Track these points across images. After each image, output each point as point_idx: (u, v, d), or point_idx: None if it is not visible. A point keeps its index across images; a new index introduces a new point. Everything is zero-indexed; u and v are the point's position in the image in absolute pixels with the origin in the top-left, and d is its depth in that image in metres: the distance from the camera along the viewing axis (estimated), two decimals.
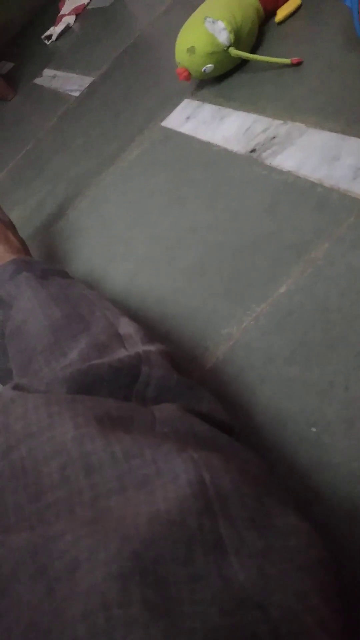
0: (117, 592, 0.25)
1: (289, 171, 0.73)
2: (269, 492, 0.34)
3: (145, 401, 0.45)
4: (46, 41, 2.38)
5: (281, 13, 1.02)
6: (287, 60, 0.89)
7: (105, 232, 0.96)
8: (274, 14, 1.06)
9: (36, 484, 0.34)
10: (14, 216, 1.26)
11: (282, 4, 1.05)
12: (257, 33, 1.02)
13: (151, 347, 0.51)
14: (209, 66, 0.98)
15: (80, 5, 2.32)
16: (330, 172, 0.68)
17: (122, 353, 0.50)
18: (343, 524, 0.42)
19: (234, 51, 0.96)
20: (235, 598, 0.26)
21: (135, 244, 0.87)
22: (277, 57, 0.92)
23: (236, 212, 0.75)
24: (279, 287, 0.62)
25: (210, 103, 1.01)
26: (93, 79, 1.60)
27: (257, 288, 0.64)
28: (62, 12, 2.42)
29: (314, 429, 0.49)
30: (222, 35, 0.94)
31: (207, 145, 0.92)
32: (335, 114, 0.75)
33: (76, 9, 2.32)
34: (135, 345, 0.52)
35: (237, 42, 0.96)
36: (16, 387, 0.45)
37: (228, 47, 0.96)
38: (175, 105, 1.10)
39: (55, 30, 2.32)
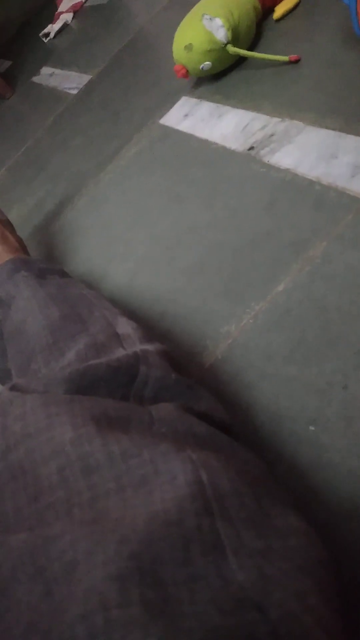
0: (115, 592, 0.25)
1: (287, 169, 0.73)
2: (267, 491, 0.34)
3: (143, 401, 0.45)
4: (44, 39, 2.37)
5: (279, 10, 1.02)
6: (285, 58, 0.89)
7: (105, 232, 0.96)
8: (272, 11, 1.05)
9: (35, 484, 0.34)
10: (13, 215, 1.26)
11: (280, 1, 1.04)
12: (255, 30, 1.02)
13: (149, 347, 0.51)
14: (207, 64, 0.98)
15: (78, 2, 2.31)
16: (328, 170, 0.68)
17: (120, 353, 0.50)
18: (342, 524, 0.42)
19: (231, 48, 0.96)
20: (234, 598, 0.26)
21: (135, 243, 0.87)
22: (275, 54, 0.92)
23: (235, 210, 0.75)
24: (278, 286, 0.62)
25: (208, 101, 1.01)
26: (91, 76, 1.60)
27: (255, 286, 0.64)
28: (59, 10, 2.41)
29: (312, 428, 0.49)
30: (220, 32, 0.94)
31: (205, 143, 0.92)
32: (333, 112, 0.74)
33: (74, 6, 2.32)
34: (134, 344, 0.52)
35: (234, 40, 0.96)
36: (14, 388, 0.45)
37: (226, 45, 0.96)
38: (173, 102, 1.10)
39: (53, 28, 2.31)
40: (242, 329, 0.61)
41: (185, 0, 1.38)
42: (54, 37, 2.28)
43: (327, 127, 0.73)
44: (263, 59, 0.94)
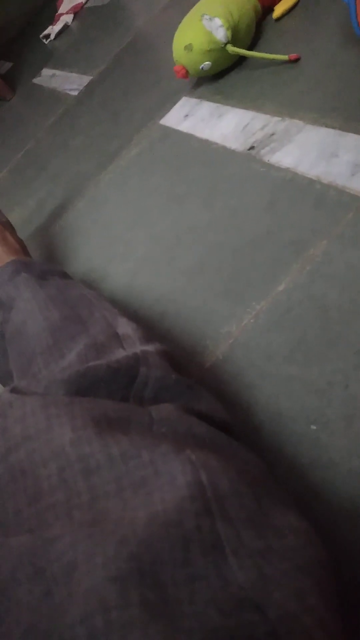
0: (115, 594, 0.25)
1: (288, 168, 0.73)
2: (267, 491, 0.34)
3: (143, 401, 0.45)
4: (44, 40, 2.37)
5: (279, 9, 1.02)
6: (284, 57, 0.89)
7: (105, 232, 0.96)
8: (271, 10, 1.05)
9: (35, 486, 0.34)
10: (14, 216, 1.26)
11: (280, 1, 1.04)
12: (254, 30, 1.02)
13: (149, 347, 0.51)
14: (207, 64, 0.98)
15: (78, 3, 2.32)
16: (328, 168, 0.67)
17: (120, 353, 0.50)
18: (342, 523, 0.42)
19: (231, 48, 0.96)
20: (233, 598, 0.26)
21: (135, 243, 0.87)
22: (274, 53, 0.92)
23: (235, 209, 0.75)
24: (278, 285, 0.61)
25: (208, 100, 1.01)
26: (91, 77, 1.60)
27: (256, 286, 0.64)
28: (60, 11, 2.42)
29: (313, 427, 0.48)
30: (220, 32, 0.94)
31: (205, 143, 0.92)
32: (333, 111, 0.74)
33: (74, 7, 2.32)
34: (134, 345, 0.52)
35: (234, 39, 0.96)
36: (14, 390, 0.45)
37: (225, 45, 0.96)
38: (173, 103, 1.10)
39: (53, 30, 2.32)
40: (242, 329, 0.61)
41: (185, 0, 1.38)
42: (55, 38, 2.28)
43: (327, 126, 0.73)
44: (263, 59, 0.94)
